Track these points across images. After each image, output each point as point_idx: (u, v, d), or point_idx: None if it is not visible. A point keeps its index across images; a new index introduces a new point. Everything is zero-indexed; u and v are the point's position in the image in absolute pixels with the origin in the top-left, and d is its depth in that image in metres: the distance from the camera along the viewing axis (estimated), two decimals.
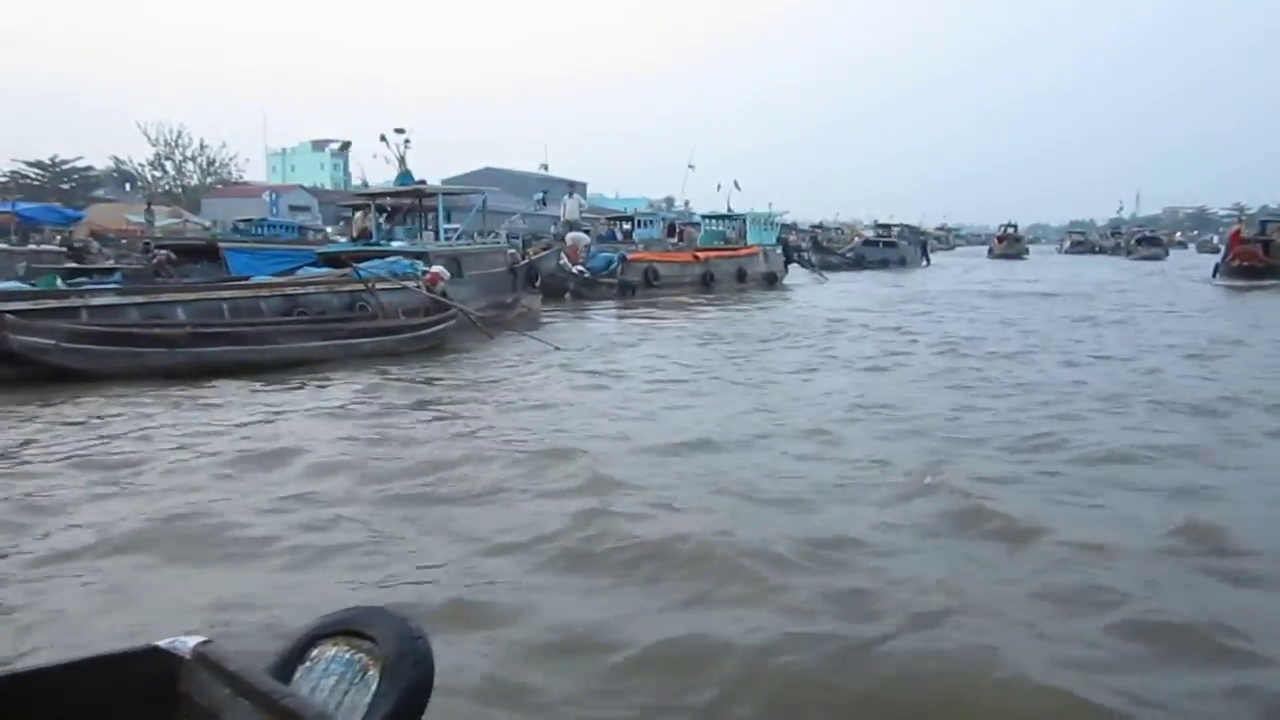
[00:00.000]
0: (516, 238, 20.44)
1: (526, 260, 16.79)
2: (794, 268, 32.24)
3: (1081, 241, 74.26)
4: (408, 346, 11.38)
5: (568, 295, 21.58)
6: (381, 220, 16.99)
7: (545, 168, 48.15)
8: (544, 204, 19.14)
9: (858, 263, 40.60)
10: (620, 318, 17.82)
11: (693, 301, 21.48)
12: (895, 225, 47.41)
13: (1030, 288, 26.95)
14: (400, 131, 15.11)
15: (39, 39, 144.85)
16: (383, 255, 14.35)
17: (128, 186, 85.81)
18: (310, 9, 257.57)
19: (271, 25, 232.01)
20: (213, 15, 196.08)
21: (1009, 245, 58.38)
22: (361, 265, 13.94)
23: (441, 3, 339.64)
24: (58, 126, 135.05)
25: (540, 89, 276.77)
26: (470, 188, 18.73)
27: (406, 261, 14.18)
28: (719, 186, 29.03)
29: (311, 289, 12.30)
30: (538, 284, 16.75)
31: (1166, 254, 54.76)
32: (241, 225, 42.99)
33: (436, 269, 12.86)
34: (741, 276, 26.18)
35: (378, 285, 12.21)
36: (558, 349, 12.04)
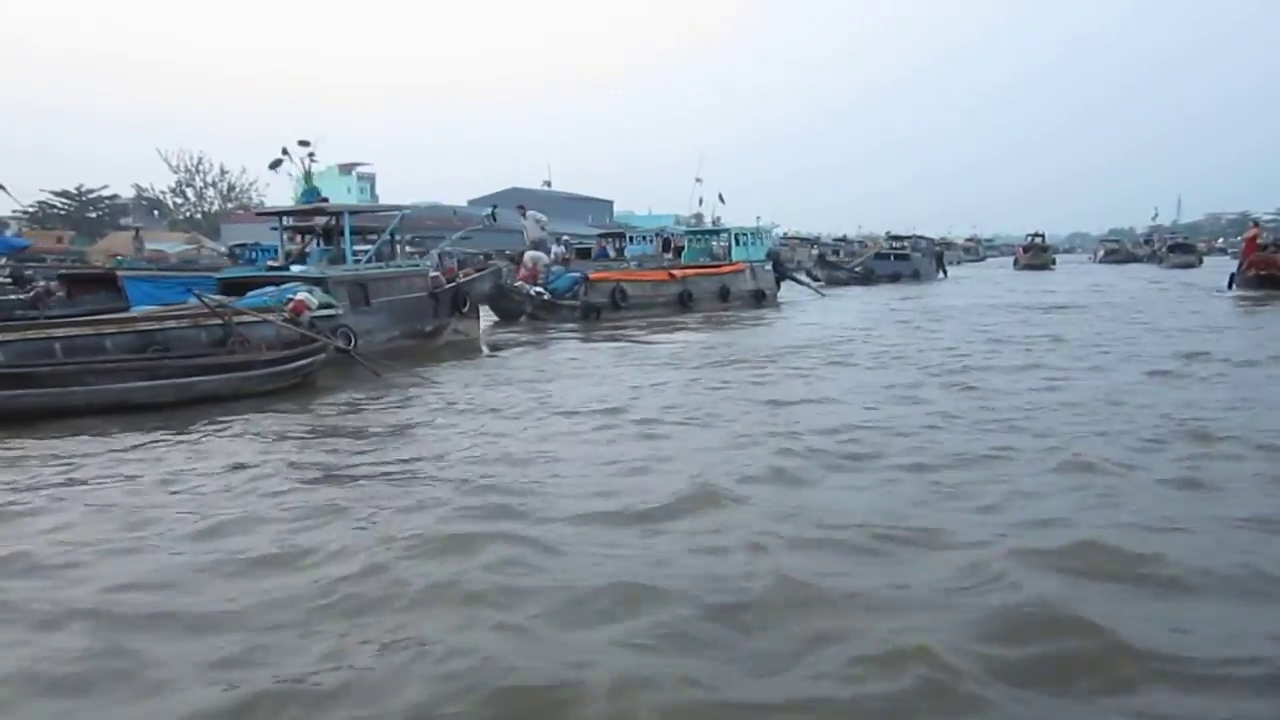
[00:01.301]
0: (450, 257, 19.06)
1: (454, 283, 15.46)
2: (793, 284, 30.72)
3: (1116, 250, 71.52)
4: (261, 386, 10.03)
5: (523, 319, 20.32)
6: (310, 241, 15.76)
7: (548, 184, 47.01)
8: (494, 219, 17.82)
9: (867, 277, 38.88)
10: (569, 343, 16.42)
11: (664, 324, 20.02)
12: (909, 237, 45.52)
13: (1035, 300, 25.34)
14: (305, 144, 13.91)
15: (82, 64, 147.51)
16: (278, 282, 13.14)
17: (156, 214, 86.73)
18: (342, 30, 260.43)
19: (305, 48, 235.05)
20: (234, 41, 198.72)
21: (1034, 255, 56.01)
22: (253, 294, 12.78)
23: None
24: (92, 154, 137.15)
25: (567, 104, 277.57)
26: (386, 205, 17.48)
27: (303, 288, 12.96)
28: (701, 200, 27.53)
29: (171, 323, 11.02)
30: (466, 309, 15.42)
31: (1200, 261, 52.20)
32: (237, 250, 42.60)
33: (301, 296, 11.56)
34: (724, 295, 24.64)
35: (240, 318, 10.96)
36: (435, 384, 10.70)
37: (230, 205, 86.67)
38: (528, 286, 20.41)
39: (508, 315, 20.30)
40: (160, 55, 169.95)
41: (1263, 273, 21.86)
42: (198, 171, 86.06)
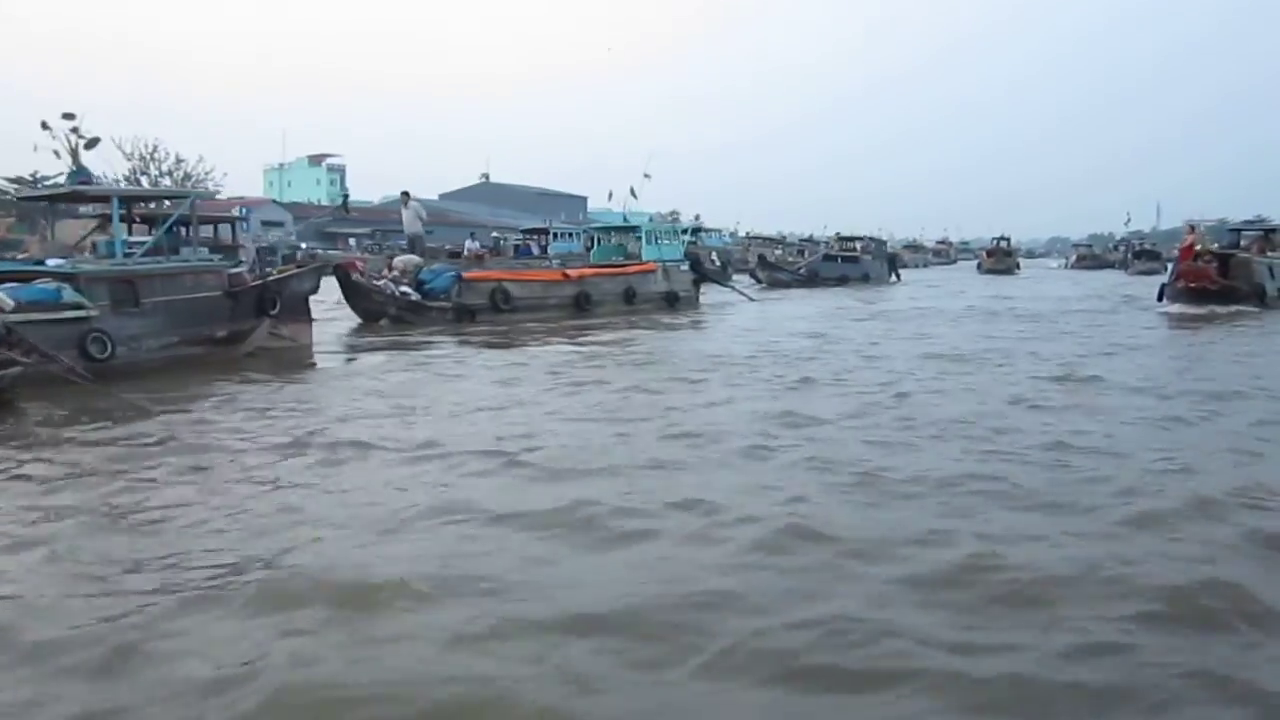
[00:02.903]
0: (274, 253, 17.16)
1: (260, 281, 13.62)
2: (721, 288, 28.97)
3: (1088, 256, 70.21)
4: None
5: (384, 322, 18.49)
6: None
7: (486, 177, 45.20)
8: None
9: (811, 280, 37.14)
10: (415, 355, 14.57)
11: (546, 330, 18.23)
12: (860, 238, 43.87)
13: (965, 303, 23.82)
14: (69, 117, 12.03)
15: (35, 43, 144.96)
16: (28, 277, 11.33)
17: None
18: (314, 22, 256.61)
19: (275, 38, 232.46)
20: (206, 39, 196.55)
21: (998, 260, 54.83)
22: None
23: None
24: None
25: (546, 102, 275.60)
26: (173, 190, 15.70)
27: (53, 286, 11.18)
28: (610, 195, 25.65)
29: None
30: (276, 310, 13.54)
31: (1165, 268, 50.93)
32: None
33: None
34: (630, 297, 22.84)
35: None
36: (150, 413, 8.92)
37: None
38: (392, 286, 18.62)
39: (371, 318, 18.48)
40: (120, 38, 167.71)
41: (1193, 285, 19.86)
42: (152, 159, 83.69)
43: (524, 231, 34.24)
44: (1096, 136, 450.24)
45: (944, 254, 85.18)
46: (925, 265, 71.60)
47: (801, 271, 37.99)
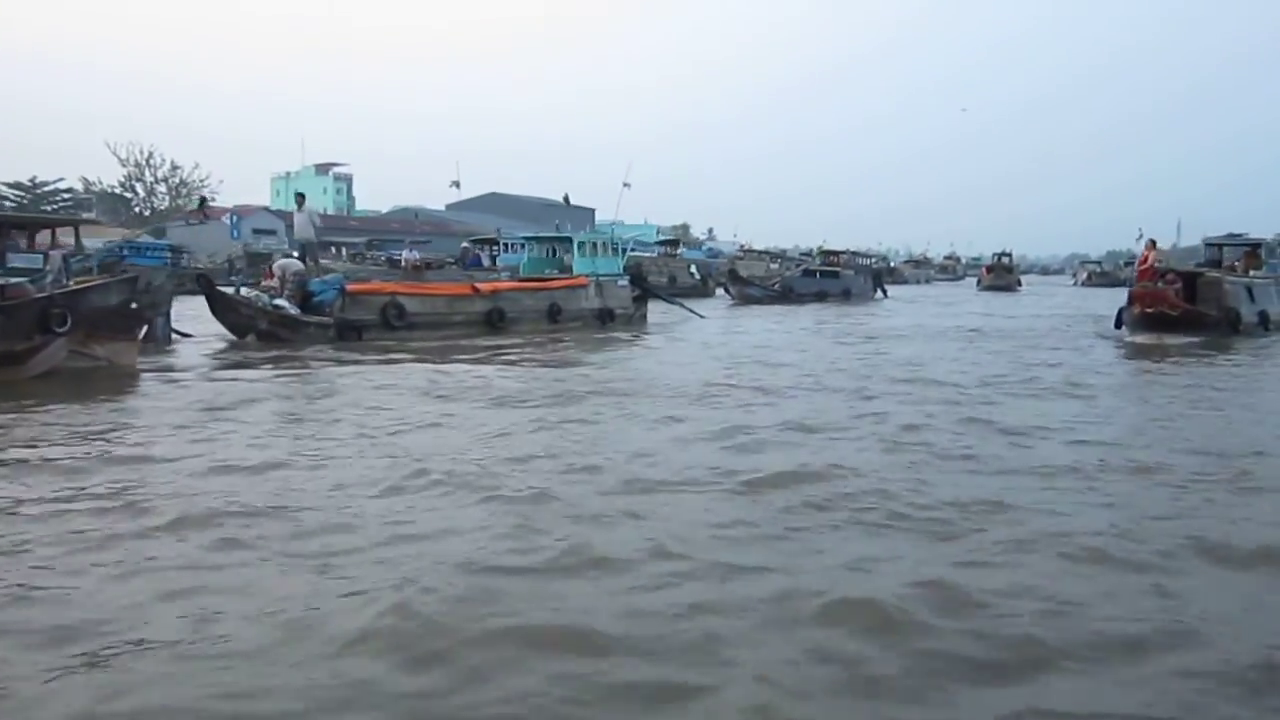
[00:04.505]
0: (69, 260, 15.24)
1: (45, 295, 11.93)
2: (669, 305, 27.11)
3: (1097, 273, 67.86)
4: None
5: (250, 338, 16.74)
6: None
7: (457, 185, 43.29)
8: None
9: (785, 296, 35.27)
10: (244, 382, 12.85)
11: (441, 351, 16.41)
12: (844, 252, 42.01)
13: (920, 323, 21.86)
14: None
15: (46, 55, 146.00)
16: None
17: (120, 210, 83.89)
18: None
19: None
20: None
21: (997, 276, 52.86)
22: None
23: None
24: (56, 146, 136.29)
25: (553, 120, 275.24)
26: None
27: None
28: (554, 200, 23.93)
29: None
30: (64, 327, 11.87)
31: None
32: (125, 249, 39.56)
33: None
34: (554, 315, 21.06)
35: None
36: None
37: (180, 202, 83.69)
38: (265, 297, 16.95)
39: (239, 332, 16.78)
40: (126, 48, 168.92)
41: (1149, 310, 17.13)
42: (148, 165, 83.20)
43: (473, 241, 32.61)
44: (1123, 153, 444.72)
45: (950, 269, 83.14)
46: (927, 281, 69.57)
47: (775, 287, 36.10)
